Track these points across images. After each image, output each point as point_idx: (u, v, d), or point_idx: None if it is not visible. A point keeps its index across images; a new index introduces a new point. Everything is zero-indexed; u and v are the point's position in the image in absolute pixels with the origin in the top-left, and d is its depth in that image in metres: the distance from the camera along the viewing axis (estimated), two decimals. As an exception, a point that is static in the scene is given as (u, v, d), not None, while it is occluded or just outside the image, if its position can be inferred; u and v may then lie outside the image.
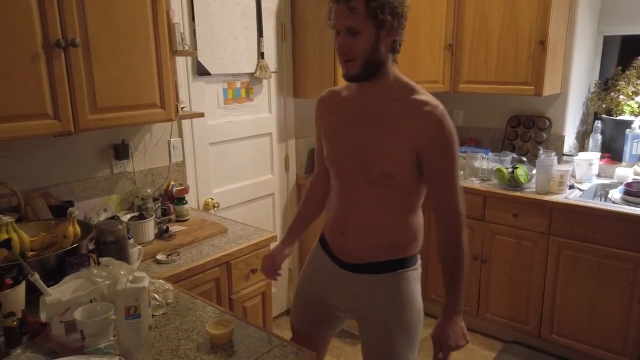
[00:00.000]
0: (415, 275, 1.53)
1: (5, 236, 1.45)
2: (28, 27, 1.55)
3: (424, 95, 1.39)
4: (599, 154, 2.96)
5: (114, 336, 1.21)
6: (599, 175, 2.94)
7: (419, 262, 1.56)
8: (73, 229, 1.60)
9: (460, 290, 1.41)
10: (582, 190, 2.72)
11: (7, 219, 1.50)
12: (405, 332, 1.50)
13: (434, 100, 1.37)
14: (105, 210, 2.16)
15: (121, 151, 2.20)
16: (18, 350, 1.19)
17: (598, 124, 3.08)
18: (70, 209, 1.62)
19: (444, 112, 1.35)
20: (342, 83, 2.90)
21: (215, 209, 2.60)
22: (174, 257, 1.84)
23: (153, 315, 1.40)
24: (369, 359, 1.55)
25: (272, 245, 2.19)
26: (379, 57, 1.34)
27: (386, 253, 1.48)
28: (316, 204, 1.71)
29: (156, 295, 1.45)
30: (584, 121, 3.28)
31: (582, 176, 2.84)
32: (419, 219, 1.52)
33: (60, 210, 1.85)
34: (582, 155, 2.94)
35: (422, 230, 1.54)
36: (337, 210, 1.53)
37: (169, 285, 1.54)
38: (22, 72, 1.56)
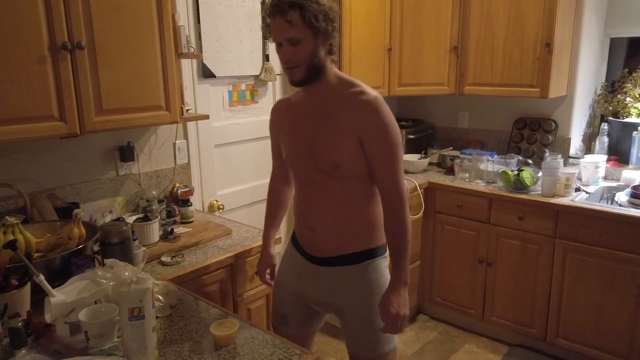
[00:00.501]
0: (384, 264, 1.63)
1: (11, 237, 1.46)
2: (35, 30, 1.56)
3: (361, 87, 1.50)
4: (605, 157, 2.94)
5: (118, 337, 1.22)
6: (605, 178, 2.93)
7: (387, 251, 1.63)
8: (78, 231, 1.61)
9: (404, 264, 1.50)
10: (589, 193, 2.70)
11: (12, 220, 1.51)
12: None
13: (370, 90, 1.48)
14: (110, 211, 2.17)
15: (127, 153, 2.21)
16: (23, 351, 1.19)
17: (604, 126, 3.06)
18: (76, 210, 1.63)
19: (380, 101, 1.46)
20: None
21: (220, 210, 2.61)
22: (178, 259, 1.85)
23: (157, 317, 1.40)
24: (354, 350, 1.62)
25: (277, 248, 2.19)
26: (319, 60, 1.45)
27: (354, 244, 1.57)
28: (282, 203, 1.84)
29: (160, 297, 1.46)
30: (590, 123, 3.26)
31: (589, 179, 2.83)
32: (380, 209, 1.58)
33: (66, 212, 1.86)
34: (589, 157, 2.92)
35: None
36: (301, 207, 1.66)
37: (173, 287, 1.54)
38: (29, 74, 1.57)
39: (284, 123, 1.65)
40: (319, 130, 1.51)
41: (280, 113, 1.70)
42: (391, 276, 1.52)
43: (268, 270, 1.82)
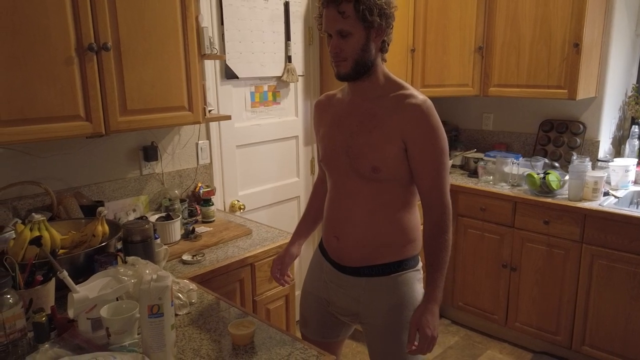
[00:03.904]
0: (417, 277, 1.53)
1: (37, 234, 1.49)
2: (62, 32, 1.60)
3: (410, 90, 1.44)
4: (635, 160, 2.85)
5: (138, 334, 1.23)
6: (635, 182, 2.83)
7: (420, 263, 1.55)
8: (102, 228, 1.64)
9: (440, 280, 1.42)
10: (618, 198, 2.62)
11: (38, 217, 1.55)
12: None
13: (419, 95, 1.42)
14: (134, 210, 2.21)
15: (150, 153, 2.25)
16: (46, 345, 1.22)
17: (635, 129, 2.97)
18: (100, 208, 1.66)
19: (429, 105, 1.40)
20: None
21: (241, 211, 2.63)
22: (199, 258, 1.86)
23: (177, 315, 1.42)
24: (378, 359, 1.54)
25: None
26: (369, 57, 1.39)
27: (383, 255, 1.48)
28: (320, 205, 1.71)
29: (180, 295, 1.47)
30: (620, 126, 3.17)
31: (618, 183, 2.75)
32: (414, 218, 1.52)
33: (91, 210, 1.90)
34: (618, 161, 2.83)
35: (419, 230, 1.53)
36: (329, 212, 1.56)
37: (193, 285, 1.55)
38: (57, 75, 1.61)
39: (325, 120, 1.57)
40: (361, 130, 1.43)
41: (322, 108, 1.61)
42: (426, 292, 1.43)
43: (280, 267, 1.72)
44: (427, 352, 1.42)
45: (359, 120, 1.44)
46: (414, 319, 1.42)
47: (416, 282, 1.52)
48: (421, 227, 1.53)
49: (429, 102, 1.41)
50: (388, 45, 1.43)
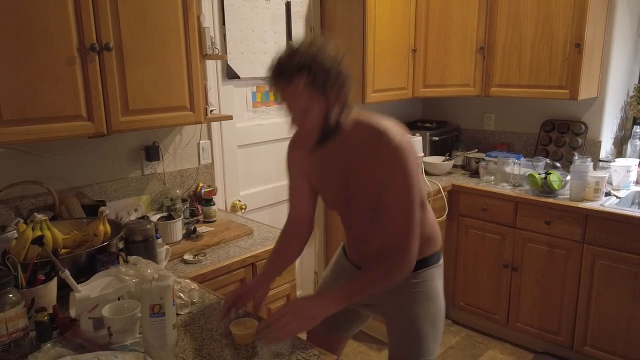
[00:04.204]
0: (439, 272, 1.59)
1: (39, 233, 1.50)
2: (64, 32, 1.61)
3: (384, 130, 1.33)
4: (637, 161, 2.85)
5: (140, 333, 1.23)
6: (637, 183, 2.83)
7: (441, 259, 1.60)
8: (103, 228, 1.64)
9: (350, 291, 1.31)
10: (619, 198, 2.62)
11: (40, 217, 1.55)
12: (432, 325, 1.55)
13: (394, 135, 1.32)
14: (135, 210, 2.21)
15: (152, 153, 2.25)
16: (48, 345, 1.22)
17: (637, 129, 2.96)
18: (101, 208, 1.66)
19: (404, 147, 1.30)
20: (370, 87, 2.89)
21: (243, 210, 2.63)
22: (200, 258, 1.87)
23: (178, 314, 1.42)
24: (396, 351, 1.58)
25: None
26: (333, 122, 1.31)
27: None
28: (290, 256, 1.65)
29: (182, 295, 1.47)
30: (622, 126, 3.16)
31: (620, 183, 2.74)
32: (429, 216, 1.53)
33: (93, 210, 1.90)
34: (620, 161, 2.83)
35: (434, 226, 1.57)
36: (347, 235, 1.61)
37: (194, 285, 1.55)
38: (59, 75, 1.61)
39: (308, 167, 1.51)
40: (347, 182, 1.42)
41: (300, 153, 1.54)
42: (341, 286, 1.34)
43: (234, 300, 1.43)
44: (271, 340, 1.25)
45: (342, 175, 1.42)
46: (294, 300, 1.33)
47: (437, 277, 1.58)
48: (436, 222, 1.59)
49: (404, 142, 1.32)
50: (350, 100, 1.33)
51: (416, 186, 1.33)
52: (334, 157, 1.42)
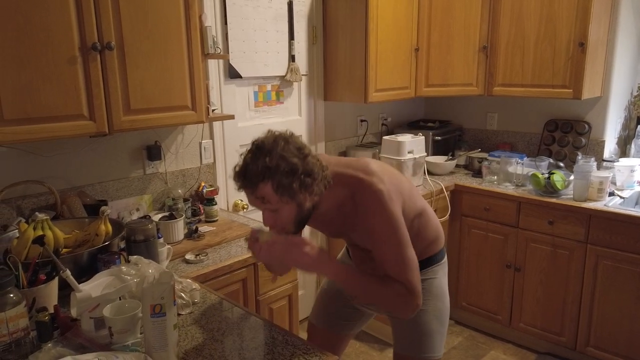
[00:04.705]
0: (443, 270, 1.61)
1: (40, 233, 1.49)
2: (66, 31, 1.60)
3: (360, 175, 1.32)
4: (641, 160, 2.84)
5: (141, 333, 1.23)
6: (641, 183, 2.82)
7: (445, 256, 1.62)
8: (105, 228, 1.63)
9: (355, 285, 1.31)
10: (623, 198, 2.60)
11: (42, 216, 1.55)
12: (438, 321, 1.57)
13: (367, 176, 1.31)
14: (137, 209, 2.21)
15: (154, 152, 2.25)
16: (49, 345, 1.22)
17: (641, 128, 2.95)
18: (102, 208, 1.66)
19: (377, 185, 1.29)
20: (373, 86, 2.88)
21: (245, 210, 2.62)
22: (202, 257, 1.86)
23: (179, 314, 1.41)
24: (401, 349, 1.59)
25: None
26: (307, 211, 1.28)
27: None
28: None
29: (183, 294, 1.47)
30: (625, 126, 3.15)
31: (623, 183, 2.73)
32: (430, 219, 1.54)
33: (95, 209, 1.90)
34: (624, 161, 2.82)
35: (438, 228, 1.58)
36: (353, 253, 1.63)
37: (196, 285, 1.55)
38: (60, 74, 1.61)
39: None
40: (344, 227, 1.44)
41: None
42: (344, 266, 1.32)
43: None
44: (255, 254, 1.28)
45: (336, 225, 1.43)
46: (299, 239, 1.27)
47: (442, 274, 1.60)
48: (439, 223, 1.60)
49: (381, 186, 1.29)
50: (324, 187, 1.28)
51: (400, 226, 1.30)
52: (323, 214, 1.39)
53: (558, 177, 2.65)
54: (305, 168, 1.22)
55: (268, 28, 2.64)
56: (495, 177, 2.96)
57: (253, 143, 1.26)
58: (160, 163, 2.30)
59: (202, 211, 2.30)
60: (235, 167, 1.26)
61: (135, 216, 2.17)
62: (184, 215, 2.09)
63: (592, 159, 2.64)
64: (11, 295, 1.16)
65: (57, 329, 1.27)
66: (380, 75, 2.84)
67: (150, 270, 1.35)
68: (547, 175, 2.67)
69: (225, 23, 2.44)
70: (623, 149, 3.14)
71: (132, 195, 2.21)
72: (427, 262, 1.55)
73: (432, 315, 1.56)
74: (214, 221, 2.26)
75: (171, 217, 2.02)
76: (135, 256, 1.44)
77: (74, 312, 1.23)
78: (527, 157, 3.01)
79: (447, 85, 3.12)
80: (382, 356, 2.83)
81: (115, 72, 1.74)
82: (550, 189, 2.66)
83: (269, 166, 1.18)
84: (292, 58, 2.78)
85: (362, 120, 3.29)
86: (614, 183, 2.73)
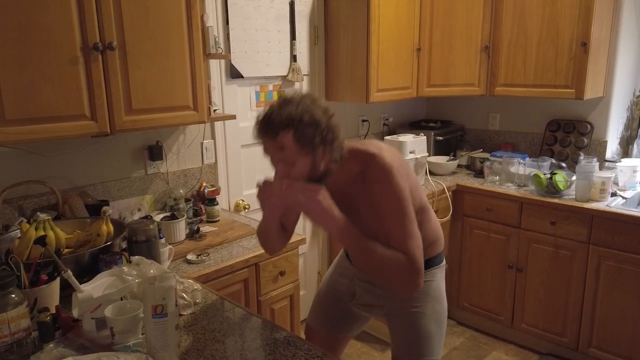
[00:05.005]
0: (441, 273, 1.61)
1: (42, 233, 1.49)
2: (68, 31, 1.60)
3: (372, 150, 1.34)
4: (644, 161, 2.83)
5: (143, 334, 1.23)
6: (643, 183, 2.81)
7: (444, 260, 1.62)
8: (106, 228, 1.63)
9: (362, 247, 1.30)
10: (625, 198, 2.60)
11: (43, 216, 1.55)
12: (437, 324, 1.56)
13: (381, 152, 1.34)
14: (139, 209, 2.21)
15: (155, 152, 2.25)
16: (51, 345, 1.22)
17: (643, 129, 2.94)
18: (104, 208, 1.66)
19: (390, 159, 1.32)
20: (374, 86, 2.88)
21: (246, 210, 2.62)
22: (203, 258, 1.86)
23: (181, 315, 1.41)
24: (399, 353, 1.58)
25: (301, 249, 2.21)
26: (321, 172, 1.29)
27: None
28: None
29: (184, 295, 1.47)
30: (628, 126, 3.14)
31: (626, 183, 2.72)
32: (432, 221, 1.56)
33: (96, 209, 1.90)
34: (626, 161, 2.81)
35: (438, 229, 1.59)
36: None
37: (197, 285, 1.55)
38: (62, 74, 1.61)
39: None
40: (350, 204, 1.40)
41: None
42: (355, 228, 1.32)
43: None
44: (281, 195, 1.27)
45: (343, 199, 1.39)
46: (319, 186, 1.28)
47: (440, 277, 1.60)
48: (439, 225, 1.61)
49: (394, 161, 1.33)
50: (340, 153, 1.32)
51: (407, 199, 1.32)
52: (333, 185, 1.38)
53: (560, 178, 2.64)
54: (329, 125, 1.25)
55: (270, 28, 2.64)
56: (497, 177, 2.96)
57: (280, 97, 1.29)
58: (162, 163, 2.30)
59: (204, 211, 2.30)
60: (258, 117, 1.27)
61: (136, 216, 2.17)
62: (185, 216, 2.08)
63: (595, 159, 2.64)
64: (13, 295, 1.16)
65: (58, 329, 1.27)
66: (381, 75, 2.84)
67: (151, 271, 1.35)
68: (549, 176, 2.67)
69: (227, 23, 2.44)
70: (625, 149, 3.13)
71: (134, 195, 2.21)
72: (427, 264, 1.53)
73: (430, 318, 1.55)
74: (215, 221, 2.26)
75: (173, 217, 2.02)
76: (136, 256, 1.44)
77: (75, 313, 1.23)
78: (529, 158, 3.01)
79: (449, 85, 3.11)
80: (383, 356, 2.83)
81: (117, 73, 1.73)
82: (552, 189, 2.66)
83: (294, 116, 1.20)
84: (293, 58, 2.78)
85: (363, 120, 3.29)
86: (616, 183, 2.73)
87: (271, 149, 1.26)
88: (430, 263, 1.56)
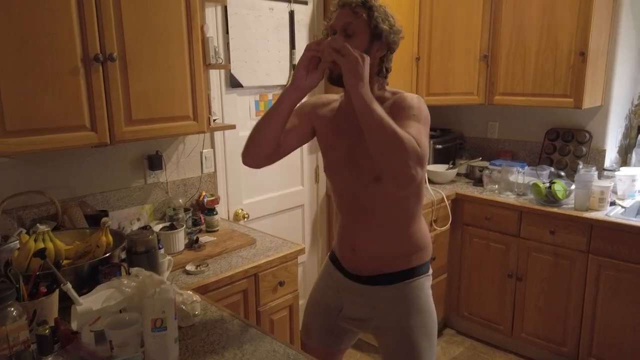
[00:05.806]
0: (428, 282, 1.59)
1: (41, 245, 1.49)
2: (69, 42, 1.61)
3: (401, 91, 1.46)
4: (642, 170, 2.84)
5: (141, 347, 1.23)
6: (642, 192, 2.81)
7: (430, 269, 1.61)
8: (106, 239, 1.63)
9: (373, 105, 1.26)
10: (625, 208, 2.60)
11: (43, 228, 1.55)
12: (427, 338, 1.54)
13: (409, 94, 1.45)
14: (138, 219, 2.21)
15: (155, 162, 2.25)
16: (49, 358, 1.21)
17: (642, 138, 2.95)
18: (104, 219, 1.66)
19: (413, 96, 1.43)
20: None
21: (245, 219, 2.62)
22: (202, 268, 1.86)
23: (180, 327, 1.41)
24: None
25: (300, 258, 2.20)
26: (366, 68, 1.30)
27: (396, 264, 1.53)
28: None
29: (184, 307, 1.46)
30: (626, 135, 3.15)
31: (625, 192, 2.73)
32: (422, 227, 1.56)
33: (96, 219, 1.90)
34: (625, 170, 2.82)
35: (427, 236, 1.58)
36: (343, 228, 1.59)
37: (196, 297, 1.54)
38: (63, 85, 1.62)
39: (322, 123, 1.56)
40: (360, 140, 1.41)
41: (320, 107, 1.59)
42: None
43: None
44: (330, 46, 1.28)
45: (356, 134, 1.42)
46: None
47: (426, 287, 1.58)
48: (429, 234, 1.60)
49: (421, 101, 1.42)
50: (387, 71, 1.46)
51: (427, 129, 1.39)
52: (352, 115, 1.38)
53: (559, 187, 2.64)
54: (395, 30, 1.41)
55: (269, 37, 2.65)
56: (497, 186, 2.96)
57: None
58: (161, 173, 2.31)
59: (203, 221, 2.29)
60: None
61: (136, 226, 2.17)
62: (184, 225, 2.08)
63: (593, 168, 2.64)
64: (11, 309, 1.15)
65: (57, 342, 1.27)
66: (381, 85, 2.84)
67: (151, 283, 1.35)
68: (548, 185, 2.67)
69: (227, 32, 2.45)
70: (624, 158, 3.14)
71: (133, 205, 2.21)
72: (416, 271, 1.54)
73: (420, 332, 1.51)
74: (214, 231, 2.26)
75: (172, 227, 2.02)
76: (136, 268, 1.43)
77: (74, 325, 1.23)
78: (528, 166, 3.02)
79: (448, 94, 3.12)
80: (383, 366, 2.82)
81: (117, 84, 1.74)
82: (551, 198, 2.66)
83: (375, 4, 1.38)
84: (293, 67, 2.78)
85: (363, 129, 3.29)
86: (615, 192, 2.73)
87: (344, 14, 1.37)
88: (418, 271, 1.54)
